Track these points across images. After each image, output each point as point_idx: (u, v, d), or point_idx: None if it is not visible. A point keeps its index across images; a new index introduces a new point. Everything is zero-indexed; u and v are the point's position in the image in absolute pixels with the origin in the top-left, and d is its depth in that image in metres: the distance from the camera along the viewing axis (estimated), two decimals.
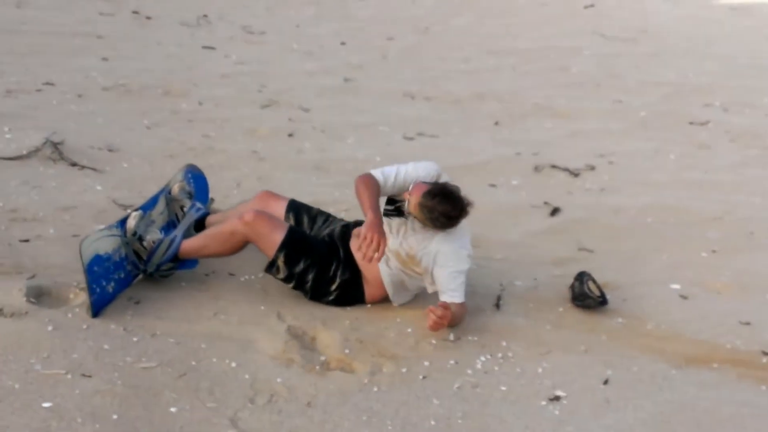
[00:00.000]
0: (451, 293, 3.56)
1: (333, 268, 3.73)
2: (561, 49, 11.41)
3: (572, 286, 4.03)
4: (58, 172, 5.07)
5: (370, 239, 3.46)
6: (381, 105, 7.97)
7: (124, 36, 9.81)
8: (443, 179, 3.78)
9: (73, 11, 10.86)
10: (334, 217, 4.10)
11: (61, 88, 7.15)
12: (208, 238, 3.74)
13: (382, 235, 3.48)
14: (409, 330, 3.61)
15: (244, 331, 3.43)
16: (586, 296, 3.92)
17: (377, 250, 3.46)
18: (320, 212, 4.10)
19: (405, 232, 3.69)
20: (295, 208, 4.07)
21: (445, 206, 3.52)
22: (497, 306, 3.93)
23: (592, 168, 6.32)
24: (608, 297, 3.96)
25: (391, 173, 3.72)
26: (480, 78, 9.50)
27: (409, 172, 3.73)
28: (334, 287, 3.72)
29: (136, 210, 3.86)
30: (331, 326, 3.56)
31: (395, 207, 3.78)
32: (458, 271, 3.59)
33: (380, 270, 3.72)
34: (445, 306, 3.42)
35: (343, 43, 10.82)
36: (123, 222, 3.79)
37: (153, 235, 3.80)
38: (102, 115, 6.51)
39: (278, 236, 3.65)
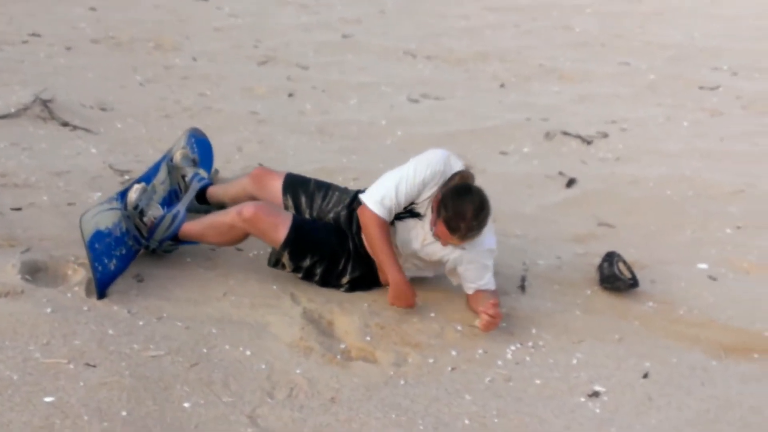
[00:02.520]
0: (482, 284, 3.35)
1: (342, 262, 3.45)
2: (563, 6, 11.07)
3: (601, 267, 3.81)
4: (49, 133, 4.78)
5: (400, 303, 3.33)
6: (381, 63, 7.67)
7: None
8: (453, 164, 3.33)
9: None
10: (335, 188, 3.70)
11: (47, 39, 6.80)
12: (208, 227, 3.46)
13: (411, 292, 3.31)
14: (433, 314, 3.38)
15: (257, 315, 3.19)
16: (617, 278, 3.70)
17: (411, 306, 3.35)
18: (318, 186, 3.69)
19: (424, 238, 3.34)
20: (292, 186, 3.69)
21: (464, 221, 3.09)
22: (522, 288, 3.71)
23: (605, 135, 6.07)
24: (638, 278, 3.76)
25: (391, 198, 3.27)
26: (481, 36, 9.18)
27: (410, 180, 3.28)
28: (345, 281, 3.47)
29: (138, 182, 3.58)
30: (349, 310, 3.32)
31: (407, 210, 3.38)
32: (488, 264, 3.37)
33: None
34: (496, 304, 3.20)
35: None
36: (123, 194, 3.51)
37: (154, 211, 3.52)
38: (92, 69, 6.19)
39: (280, 234, 3.33)
